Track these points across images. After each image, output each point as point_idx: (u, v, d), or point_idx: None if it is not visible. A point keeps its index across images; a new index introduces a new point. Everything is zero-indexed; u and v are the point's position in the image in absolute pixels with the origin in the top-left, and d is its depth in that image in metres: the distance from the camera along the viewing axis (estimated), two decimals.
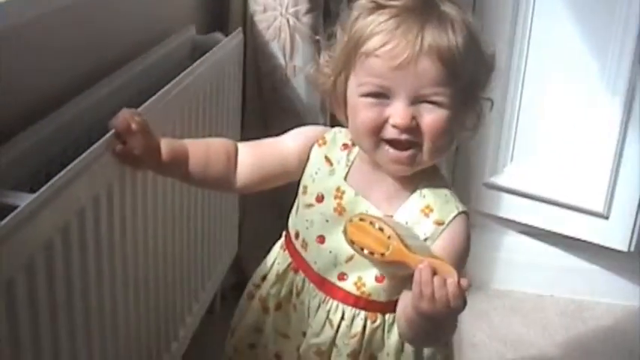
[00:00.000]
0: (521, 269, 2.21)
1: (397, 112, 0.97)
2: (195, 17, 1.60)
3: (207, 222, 1.51)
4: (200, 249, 1.49)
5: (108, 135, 0.97)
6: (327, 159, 1.09)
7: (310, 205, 1.09)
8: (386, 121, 0.99)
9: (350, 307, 1.07)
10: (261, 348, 1.19)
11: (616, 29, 1.92)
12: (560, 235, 2.14)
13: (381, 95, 0.98)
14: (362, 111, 1.00)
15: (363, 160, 1.07)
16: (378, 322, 1.07)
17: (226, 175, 1.11)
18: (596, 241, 2.08)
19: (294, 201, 1.14)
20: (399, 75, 0.96)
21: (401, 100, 0.97)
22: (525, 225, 2.18)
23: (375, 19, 0.99)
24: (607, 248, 2.09)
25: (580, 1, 1.95)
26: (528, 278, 2.21)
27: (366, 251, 0.98)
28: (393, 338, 1.08)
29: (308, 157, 1.10)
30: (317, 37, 1.40)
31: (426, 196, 1.04)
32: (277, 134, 1.14)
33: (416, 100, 0.98)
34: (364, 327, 1.07)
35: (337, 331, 1.08)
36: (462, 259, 1.03)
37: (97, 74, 1.16)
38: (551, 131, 2.06)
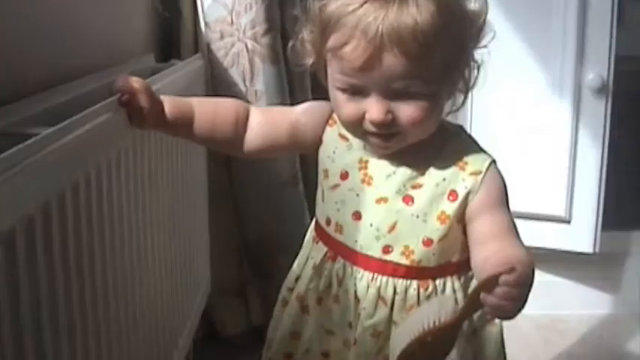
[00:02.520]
0: None
1: (372, 108, 0.95)
2: (153, 47, 1.56)
3: (181, 262, 1.43)
4: (176, 287, 1.40)
5: (110, 99, 0.94)
6: (342, 136, 1.06)
7: (336, 186, 1.05)
8: (364, 115, 0.97)
9: (401, 280, 1.02)
10: (301, 354, 1.11)
11: (555, 32, 1.99)
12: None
13: (355, 91, 0.97)
14: (340, 104, 0.99)
15: None
16: (430, 288, 1.02)
17: (234, 137, 1.07)
18: (561, 246, 2.09)
19: (315, 191, 1.12)
20: (366, 74, 0.94)
21: (374, 95, 0.95)
22: None
23: (338, 8, 0.95)
24: (572, 254, 2.11)
25: (520, 14, 2.02)
26: None
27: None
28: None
29: (322, 139, 1.08)
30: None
31: (456, 150, 1.03)
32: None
33: (391, 93, 0.95)
34: (418, 297, 1.02)
35: (392, 307, 1.02)
36: (506, 200, 1.03)
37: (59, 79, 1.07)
38: (504, 143, 2.07)
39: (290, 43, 1.08)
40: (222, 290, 1.85)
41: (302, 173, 1.77)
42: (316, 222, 1.11)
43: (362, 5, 0.93)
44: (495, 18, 1.96)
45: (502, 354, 1.11)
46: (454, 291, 1.03)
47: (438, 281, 1.03)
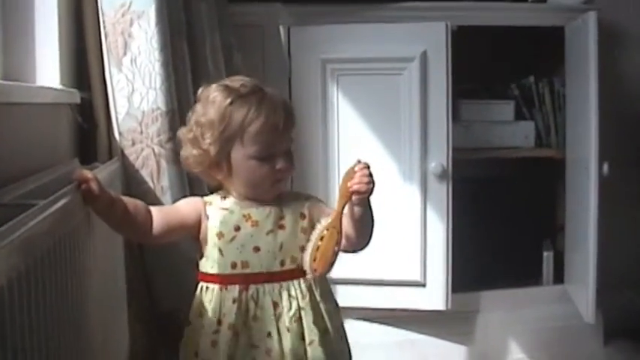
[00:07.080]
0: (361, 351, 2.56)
1: (281, 163, 1.50)
2: (76, 153, 1.90)
3: (108, 331, 1.63)
4: (102, 353, 1.59)
5: (71, 185, 1.29)
6: (222, 208, 1.55)
7: (233, 238, 1.52)
8: (274, 170, 1.50)
9: (295, 280, 1.52)
10: None
11: (404, 130, 2.46)
12: (389, 310, 2.54)
13: (266, 157, 1.49)
14: (256, 169, 1.50)
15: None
16: (308, 283, 1.52)
17: (147, 223, 1.50)
18: (419, 307, 2.51)
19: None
20: (278, 139, 1.50)
21: (279, 156, 1.50)
22: (361, 309, 2.54)
23: (248, 110, 1.47)
24: (429, 312, 2.53)
25: (374, 118, 2.47)
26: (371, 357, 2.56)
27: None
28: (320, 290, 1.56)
29: (207, 216, 1.54)
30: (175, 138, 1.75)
31: (289, 192, 1.61)
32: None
33: (286, 153, 1.52)
34: (305, 290, 1.52)
35: (297, 300, 1.52)
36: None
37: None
38: None
39: (182, 157, 1.57)
40: (136, 358, 2.12)
41: None
42: (213, 277, 1.53)
43: (259, 102, 1.47)
44: (356, 122, 2.44)
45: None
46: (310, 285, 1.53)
47: (305, 279, 1.52)
